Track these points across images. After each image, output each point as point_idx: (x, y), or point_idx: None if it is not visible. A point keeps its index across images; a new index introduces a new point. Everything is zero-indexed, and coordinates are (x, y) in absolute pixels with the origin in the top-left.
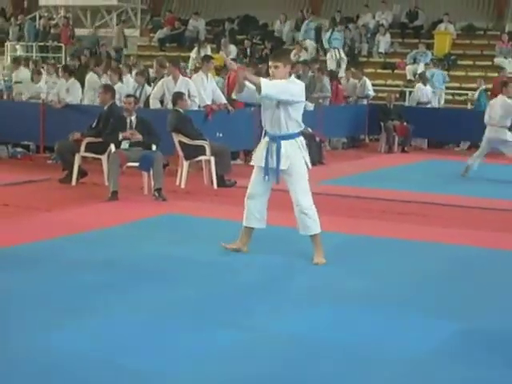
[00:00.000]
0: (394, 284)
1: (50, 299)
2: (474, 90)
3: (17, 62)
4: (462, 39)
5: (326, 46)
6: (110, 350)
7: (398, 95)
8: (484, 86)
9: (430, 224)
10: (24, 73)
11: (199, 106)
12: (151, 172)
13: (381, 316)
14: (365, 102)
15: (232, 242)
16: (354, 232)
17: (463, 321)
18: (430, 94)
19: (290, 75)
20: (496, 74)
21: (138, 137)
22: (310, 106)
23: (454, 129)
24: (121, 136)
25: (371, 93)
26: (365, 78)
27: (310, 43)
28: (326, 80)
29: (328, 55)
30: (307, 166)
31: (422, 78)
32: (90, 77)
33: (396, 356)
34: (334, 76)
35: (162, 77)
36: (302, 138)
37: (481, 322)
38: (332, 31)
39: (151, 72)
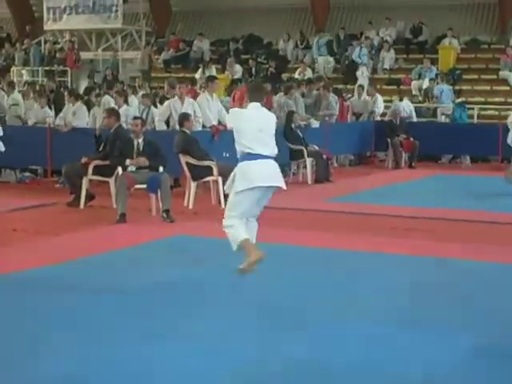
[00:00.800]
0: (406, 300)
1: (60, 323)
2: (481, 103)
3: (11, 85)
4: (466, 53)
5: (358, 61)
6: (121, 377)
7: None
8: (459, 99)
9: (439, 239)
10: (18, 97)
11: (204, 126)
12: (159, 193)
13: (393, 332)
14: (378, 117)
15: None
16: (362, 249)
17: (477, 337)
18: (408, 108)
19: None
20: (501, 88)
21: (145, 163)
22: (316, 124)
23: (459, 143)
24: (128, 162)
25: (378, 110)
26: (377, 94)
27: (324, 59)
28: (332, 97)
29: (358, 72)
30: (237, 187)
31: (427, 94)
32: (105, 99)
33: (409, 373)
34: (339, 93)
35: (173, 96)
36: (241, 163)
37: (496, 337)
38: (360, 48)
39: (161, 93)
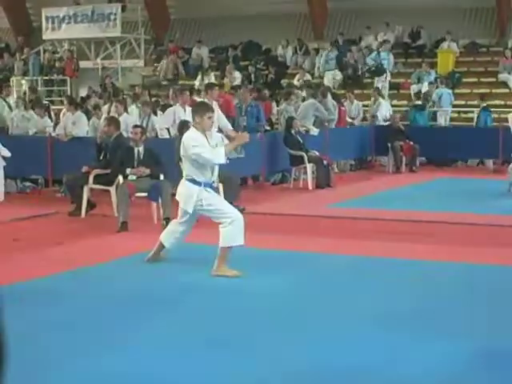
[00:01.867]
0: (406, 303)
1: (64, 332)
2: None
3: None
4: (465, 57)
5: (386, 67)
6: None
7: (403, 115)
8: (417, 102)
9: (441, 243)
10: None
11: None
12: (160, 201)
13: (394, 338)
14: (382, 122)
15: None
16: (362, 253)
17: (478, 339)
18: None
19: None
20: (501, 90)
21: (146, 172)
22: (315, 131)
23: (459, 146)
24: (128, 171)
25: (382, 114)
26: (380, 99)
27: (332, 73)
28: (331, 103)
29: (381, 78)
30: None
31: (426, 98)
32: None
33: (410, 375)
34: (337, 99)
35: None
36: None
37: (496, 339)
38: (378, 52)
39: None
